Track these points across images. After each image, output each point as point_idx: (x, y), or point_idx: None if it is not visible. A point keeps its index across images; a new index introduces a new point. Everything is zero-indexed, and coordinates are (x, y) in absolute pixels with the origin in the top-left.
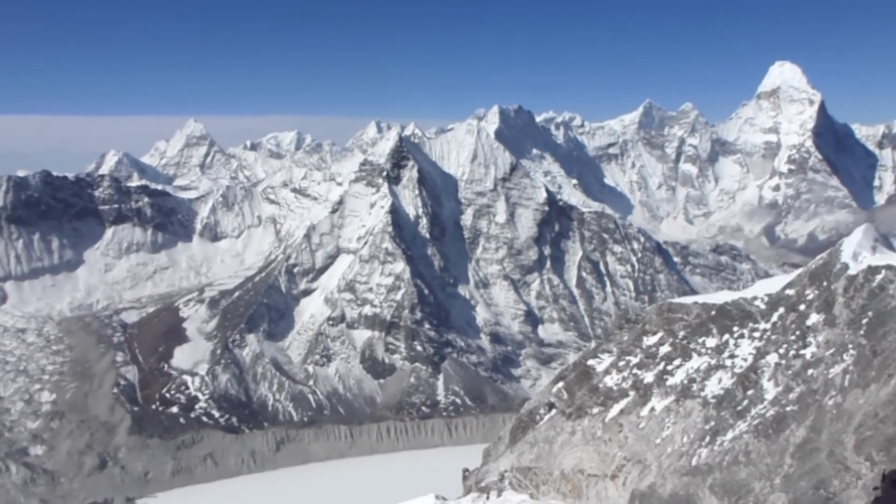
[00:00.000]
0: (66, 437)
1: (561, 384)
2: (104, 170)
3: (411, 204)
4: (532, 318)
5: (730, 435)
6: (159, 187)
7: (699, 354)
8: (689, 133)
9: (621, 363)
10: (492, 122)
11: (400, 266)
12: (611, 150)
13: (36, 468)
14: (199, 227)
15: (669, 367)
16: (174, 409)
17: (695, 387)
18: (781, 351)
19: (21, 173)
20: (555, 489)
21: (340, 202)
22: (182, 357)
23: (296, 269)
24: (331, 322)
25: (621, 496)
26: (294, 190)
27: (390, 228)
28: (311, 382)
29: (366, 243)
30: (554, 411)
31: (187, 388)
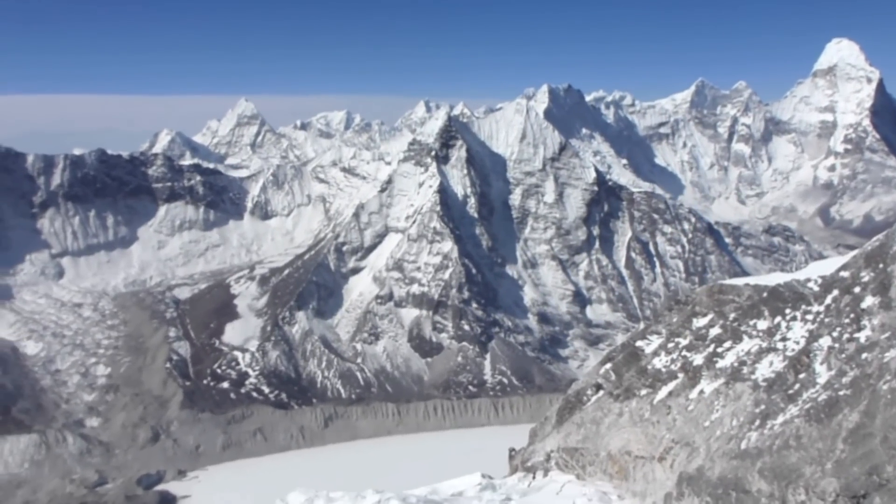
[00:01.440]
0: (120, 409)
1: (609, 365)
2: (157, 149)
3: (459, 183)
4: (580, 299)
5: (780, 419)
6: (211, 166)
7: (750, 337)
8: (742, 112)
9: (670, 345)
10: (541, 101)
11: (448, 245)
12: (662, 130)
13: (92, 439)
14: (249, 205)
15: (719, 350)
16: (225, 385)
17: (745, 370)
18: (835, 334)
19: (77, 152)
20: (601, 470)
21: (389, 181)
22: (233, 333)
23: (345, 248)
24: (379, 300)
25: (668, 478)
26: (343, 169)
27: (438, 208)
28: (359, 360)
29: (414, 222)
30: (601, 392)
31: (238, 363)
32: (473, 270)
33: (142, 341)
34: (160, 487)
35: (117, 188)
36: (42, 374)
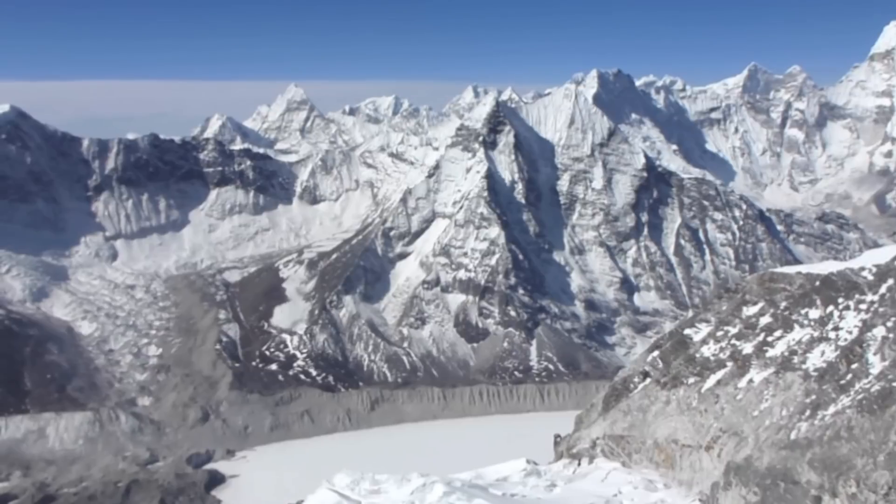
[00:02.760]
0: (171, 389)
1: (656, 353)
2: (209, 133)
3: (507, 169)
4: (628, 286)
5: (831, 409)
6: (261, 151)
7: (801, 326)
8: (796, 97)
9: (719, 333)
10: (590, 86)
11: (495, 231)
12: (713, 115)
13: (143, 418)
14: (298, 189)
15: (770, 339)
16: (273, 367)
17: (796, 359)
18: (889, 324)
19: (131, 136)
20: (647, 458)
21: (437, 167)
22: (281, 316)
23: (392, 233)
24: (426, 285)
25: (716, 467)
26: (391, 154)
27: (486, 193)
28: (405, 344)
29: (461, 208)
30: (648, 380)
31: (286, 346)
32: (520, 256)
33: (192, 323)
34: (209, 466)
35: (169, 172)
36: (96, 353)
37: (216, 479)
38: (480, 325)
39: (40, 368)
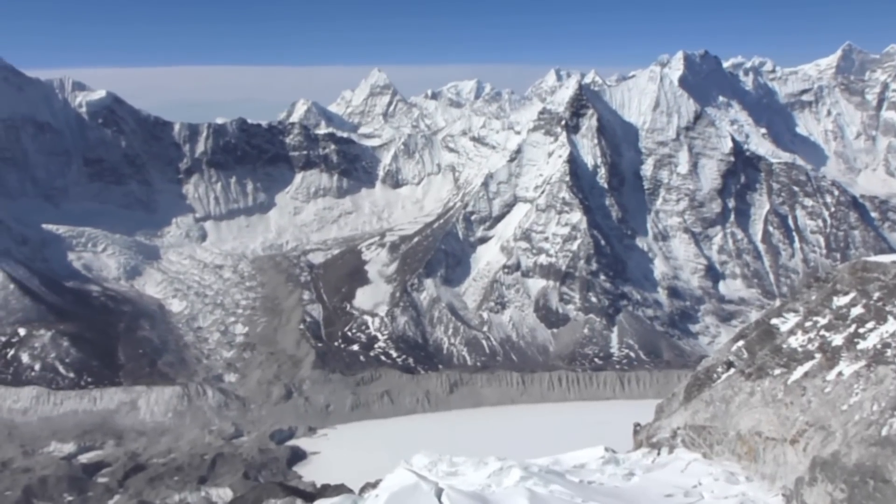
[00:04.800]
0: (256, 367)
1: (741, 342)
2: (294, 118)
3: (590, 153)
4: (713, 273)
5: None
6: (345, 135)
7: (895, 318)
8: (893, 77)
9: (808, 324)
10: (676, 68)
11: (577, 216)
12: (804, 97)
13: (229, 394)
14: (381, 173)
15: (861, 331)
16: (355, 347)
17: (889, 352)
18: None
19: (220, 121)
20: (729, 450)
21: (518, 151)
22: (363, 298)
23: (473, 217)
24: (506, 270)
25: (801, 462)
26: (473, 138)
27: (568, 178)
28: (485, 328)
29: (543, 192)
30: (732, 370)
31: (368, 327)
32: (602, 242)
33: (277, 303)
34: (291, 443)
35: (257, 156)
36: (185, 330)
37: (298, 456)
38: (561, 310)
39: (133, 343)
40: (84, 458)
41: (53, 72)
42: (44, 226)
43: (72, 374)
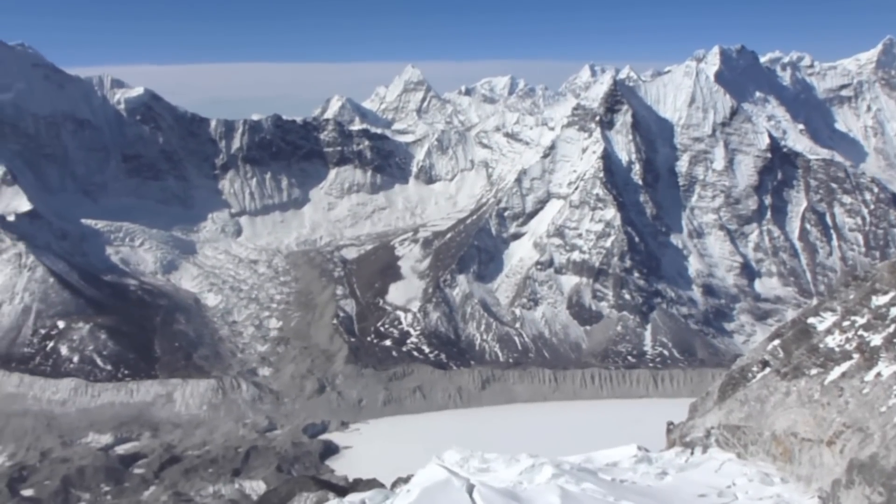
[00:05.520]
0: (290, 361)
1: (777, 341)
2: (329, 114)
3: (624, 149)
4: (748, 271)
5: None
6: (379, 131)
7: None
8: None
9: (846, 323)
10: (712, 63)
11: (610, 212)
12: (843, 93)
13: (263, 387)
14: (414, 169)
15: None
16: (387, 343)
17: None
18: None
19: (255, 117)
20: (764, 451)
21: (552, 147)
22: (396, 293)
23: (506, 213)
24: (539, 266)
25: (837, 464)
26: (506, 134)
27: (602, 174)
28: (517, 325)
29: (576, 189)
30: (768, 370)
31: (400, 323)
32: (636, 239)
33: (311, 298)
34: (324, 437)
35: (291, 152)
36: (220, 324)
37: (330, 449)
38: (594, 307)
39: (169, 337)
40: (121, 450)
41: (93, 69)
42: (83, 221)
43: (109, 367)
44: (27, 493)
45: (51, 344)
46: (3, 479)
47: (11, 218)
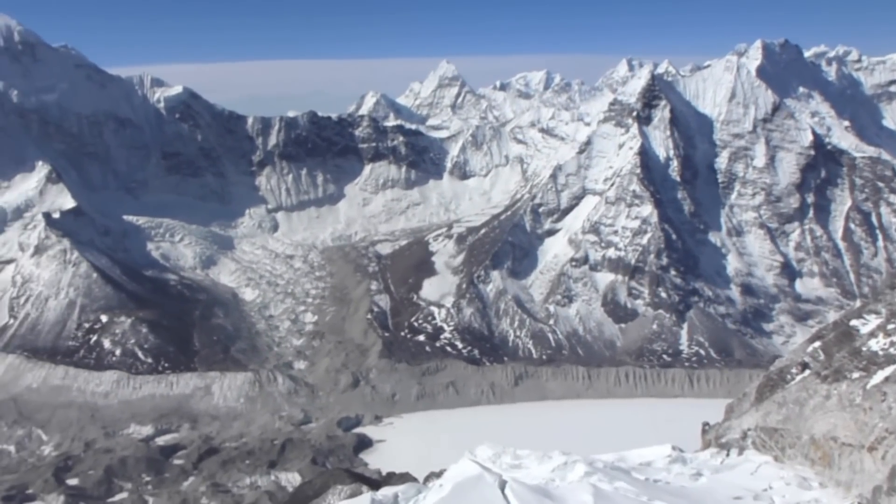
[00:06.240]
0: (325, 355)
1: (818, 343)
2: (363, 110)
3: (662, 145)
4: (789, 271)
5: None
6: (413, 127)
7: None
8: None
9: (890, 326)
10: (753, 57)
11: (647, 209)
12: (892, 88)
13: (299, 381)
14: (449, 165)
15: None
16: (421, 338)
17: None
18: None
19: (291, 114)
20: (802, 454)
21: (588, 143)
22: (430, 289)
23: (541, 209)
24: (574, 263)
25: (879, 470)
26: (541, 130)
27: (639, 170)
28: (551, 322)
29: (612, 185)
30: (808, 372)
31: (434, 318)
32: (673, 236)
33: (346, 293)
34: (358, 430)
35: (327, 148)
36: (257, 318)
37: (364, 443)
38: (629, 305)
39: (208, 330)
40: (161, 441)
41: (133, 69)
42: (125, 217)
43: (150, 360)
44: (72, 482)
45: (94, 337)
46: (49, 468)
47: (56, 215)
